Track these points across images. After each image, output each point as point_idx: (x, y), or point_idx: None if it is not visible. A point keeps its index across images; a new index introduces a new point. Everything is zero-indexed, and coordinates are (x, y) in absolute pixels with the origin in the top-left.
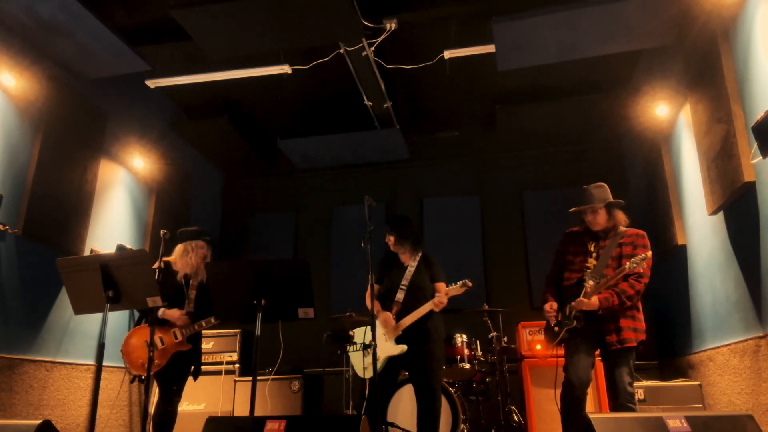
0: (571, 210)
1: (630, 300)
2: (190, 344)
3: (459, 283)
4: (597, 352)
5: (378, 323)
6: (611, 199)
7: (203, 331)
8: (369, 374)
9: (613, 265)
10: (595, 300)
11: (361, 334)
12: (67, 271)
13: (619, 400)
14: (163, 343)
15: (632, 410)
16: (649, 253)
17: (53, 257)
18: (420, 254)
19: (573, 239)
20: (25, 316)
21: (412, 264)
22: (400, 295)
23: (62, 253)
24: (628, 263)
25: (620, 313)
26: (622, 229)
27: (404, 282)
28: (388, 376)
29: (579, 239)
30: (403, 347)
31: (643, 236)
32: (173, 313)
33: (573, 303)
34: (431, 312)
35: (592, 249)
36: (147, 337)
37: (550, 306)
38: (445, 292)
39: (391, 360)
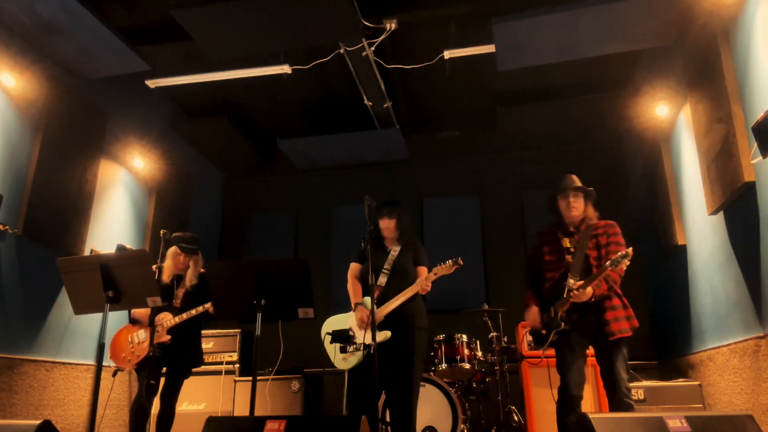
0: (554, 192)
1: (614, 284)
2: (169, 335)
3: (449, 262)
4: (590, 351)
5: (355, 317)
6: (587, 188)
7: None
8: (348, 365)
9: (593, 255)
10: (589, 290)
11: (334, 323)
12: (67, 271)
13: (618, 395)
14: (144, 337)
15: (630, 405)
16: (630, 250)
17: (53, 257)
18: (404, 238)
19: (546, 240)
20: (25, 316)
21: (395, 248)
22: (382, 279)
23: (62, 253)
24: (608, 263)
25: (614, 305)
26: (593, 222)
27: (387, 266)
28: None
29: (553, 238)
30: (387, 333)
31: (614, 225)
32: (143, 312)
33: (561, 302)
34: (414, 298)
35: (567, 245)
36: (132, 333)
37: (531, 314)
38: (434, 272)
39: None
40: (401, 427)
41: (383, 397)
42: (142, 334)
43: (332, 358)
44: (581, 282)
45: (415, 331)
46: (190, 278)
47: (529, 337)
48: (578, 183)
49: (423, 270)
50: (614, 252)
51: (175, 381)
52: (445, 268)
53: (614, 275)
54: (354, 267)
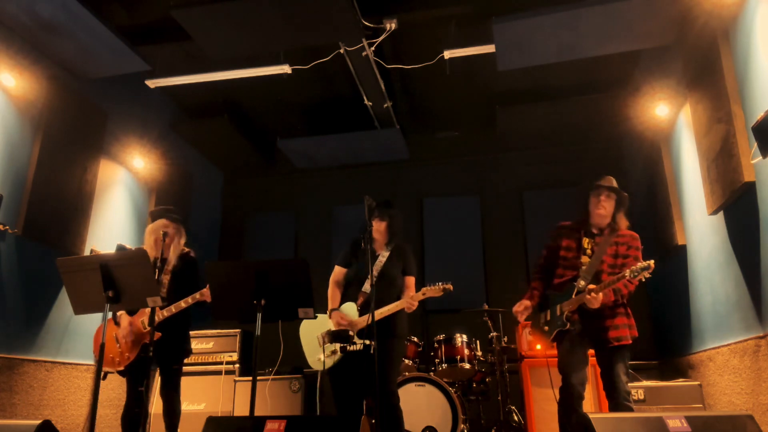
0: (587, 187)
1: (622, 298)
2: (159, 332)
3: (439, 285)
4: (590, 352)
5: (332, 322)
6: (622, 192)
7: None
8: (322, 366)
9: (608, 261)
10: (601, 296)
11: (316, 323)
12: (67, 271)
13: (618, 399)
14: (129, 335)
15: (630, 409)
16: (652, 263)
17: (53, 257)
18: (393, 243)
19: (567, 234)
20: (25, 316)
21: (384, 253)
22: (367, 286)
23: (62, 253)
24: (628, 271)
25: (616, 312)
26: (618, 230)
27: (374, 272)
28: (351, 372)
29: (573, 234)
30: (366, 342)
31: (636, 239)
32: (124, 319)
33: (570, 302)
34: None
35: (585, 245)
36: (115, 332)
37: (519, 306)
38: (422, 292)
39: (351, 354)
40: (390, 428)
41: None
42: (125, 332)
43: (308, 358)
44: (594, 286)
45: (395, 340)
46: (171, 257)
47: (530, 336)
48: (614, 184)
49: (411, 281)
50: (630, 265)
51: (169, 375)
52: (434, 290)
53: (624, 290)
54: (337, 271)
